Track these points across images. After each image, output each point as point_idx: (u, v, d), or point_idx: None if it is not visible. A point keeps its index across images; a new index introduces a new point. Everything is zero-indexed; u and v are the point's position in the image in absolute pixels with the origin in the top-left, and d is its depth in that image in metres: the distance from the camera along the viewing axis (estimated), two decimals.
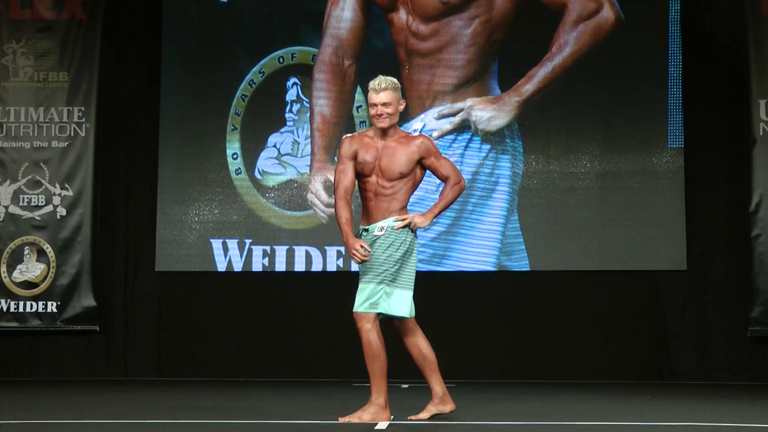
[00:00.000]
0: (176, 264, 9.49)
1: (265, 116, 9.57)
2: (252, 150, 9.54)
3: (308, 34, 9.58)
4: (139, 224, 9.56)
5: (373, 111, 5.51)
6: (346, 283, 8.78)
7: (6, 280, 9.33)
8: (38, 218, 9.37)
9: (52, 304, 9.31)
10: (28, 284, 9.34)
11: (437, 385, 5.59)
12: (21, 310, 9.32)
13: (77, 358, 9.45)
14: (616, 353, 9.17)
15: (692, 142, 9.20)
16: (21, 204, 9.39)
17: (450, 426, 5.32)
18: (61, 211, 9.37)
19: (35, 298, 9.32)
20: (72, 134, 9.45)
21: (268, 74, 9.59)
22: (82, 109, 9.46)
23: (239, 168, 9.52)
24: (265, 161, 9.55)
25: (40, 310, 9.32)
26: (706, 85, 9.26)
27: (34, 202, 9.39)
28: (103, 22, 9.51)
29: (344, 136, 5.64)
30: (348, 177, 5.50)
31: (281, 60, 9.59)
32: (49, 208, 9.38)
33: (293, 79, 9.57)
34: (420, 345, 5.58)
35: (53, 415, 6.02)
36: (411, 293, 5.51)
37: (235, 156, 9.53)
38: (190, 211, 9.50)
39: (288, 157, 9.52)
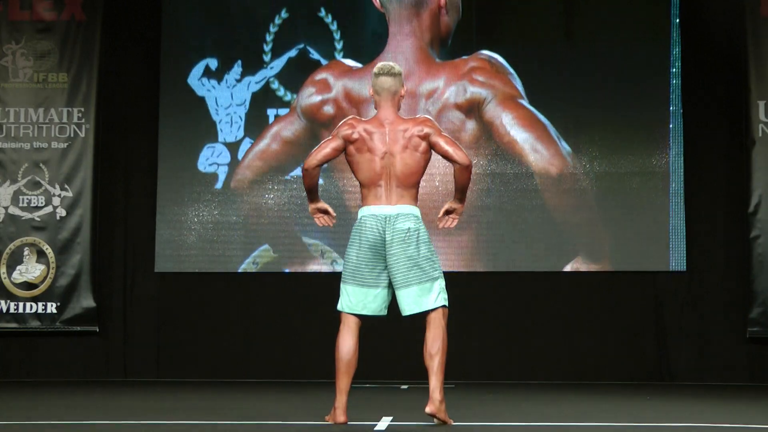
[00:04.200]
0: (175, 265, 9.49)
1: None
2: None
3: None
4: (139, 225, 9.56)
5: None
6: None
7: (5, 281, 9.33)
8: (38, 219, 9.37)
9: (51, 305, 9.31)
10: (28, 285, 9.34)
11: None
12: (20, 310, 9.32)
13: (77, 359, 9.45)
14: (616, 354, 9.17)
15: (691, 143, 9.21)
16: (21, 205, 9.39)
17: (450, 427, 5.32)
18: (61, 212, 9.37)
19: (35, 299, 9.32)
20: (71, 135, 9.45)
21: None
22: (82, 110, 9.46)
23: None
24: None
25: (39, 311, 9.32)
26: (705, 87, 9.26)
27: (34, 202, 9.39)
28: (102, 23, 9.52)
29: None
30: None
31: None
32: (49, 209, 9.38)
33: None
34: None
35: (52, 415, 6.02)
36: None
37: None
38: (189, 212, 9.50)
39: None
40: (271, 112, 9.51)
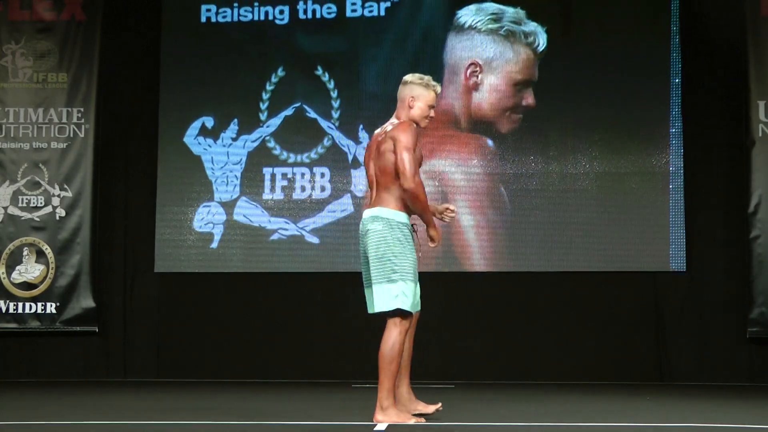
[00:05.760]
0: (175, 265, 9.49)
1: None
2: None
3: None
4: (138, 225, 9.57)
5: (430, 112, 5.56)
6: (346, 283, 8.80)
7: (5, 281, 9.33)
8: (37, 219, 9.37)
9: (51, 305, 9.31)
10: (27, 285, 9.34)
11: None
12: (20, 311, 9.32)
13: (76, 359, 9.45)
14: (616, 354, 9.16)
15: (691, 143, 9.20)
16: (20, 205, 9.39)
17: (450, 427, 5.32)
18: (60, 212, 9.37)
19: (34, 299, 9.32)
20: (71, 135, 9.45)
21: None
22: (82, 110, 9.46)
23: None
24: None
25: (39, 311, 9.32)
26: (705, 86, 9.26)
27: (34, 203, 9.40)
28: (102, 23, 9.52)
29: (408, 122, 5.51)
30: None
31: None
32: (48, 209, 9.38)
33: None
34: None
35: (52, 416, 6.02)
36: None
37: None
38: (188, 212, 9.50)
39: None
40: (267, 171, 9.48)
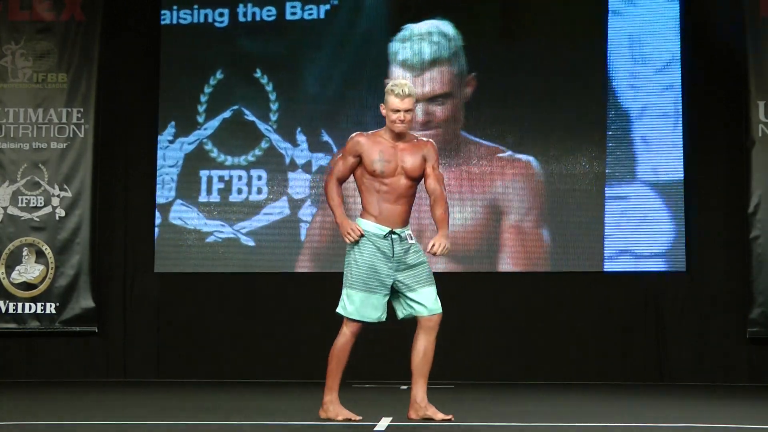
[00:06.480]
0: (175, 265, 9.49)
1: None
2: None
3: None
4: (138, 225, 9.56)
5: (395, 116, 5.40)
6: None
7: (5, 281, 9.33)
8: (37, 219, 9.37)
9: (50, 306, 9.31)
10: (27, 285, 9.34)
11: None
12: (20, 311, 9.32)
13: (76, 359, 9.45)
14: (615, 355, 9.17)
15: (691, 143, 9.20)
16: (20, 205, 9.39)
17: (450, 427, 5.32)
18: (60, 213, 9.37)
19: (34, 300, 9.32)
20: (71, 135, 9.45)
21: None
22: (81, 110, 9.46)
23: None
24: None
25: (38, 311, 9.32)
26: (705, 87, 9.26)
27: (33, 203, 9.39)
28: (102, 24, 9.53)
29: (355, 134, 5.52)
30: (346, 167, 5.49)
31: None
32: (48, 209, 9.38)
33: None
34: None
35: (52, 416, 6.02)
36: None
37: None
38: (188, 213, 9.50)
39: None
40: (203, 174, 9.47)
